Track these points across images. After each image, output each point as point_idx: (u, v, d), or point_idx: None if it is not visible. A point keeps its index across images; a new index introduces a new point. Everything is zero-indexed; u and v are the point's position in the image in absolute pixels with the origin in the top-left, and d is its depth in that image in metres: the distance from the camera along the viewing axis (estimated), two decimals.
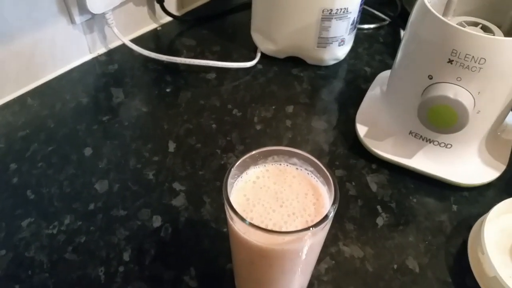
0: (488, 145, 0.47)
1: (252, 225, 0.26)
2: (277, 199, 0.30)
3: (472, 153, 0.46)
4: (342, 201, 0.45)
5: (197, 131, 0.53)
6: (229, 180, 0.29)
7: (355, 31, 0.61)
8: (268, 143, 0.52)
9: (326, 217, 0.27)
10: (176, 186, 0.46)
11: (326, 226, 0.29)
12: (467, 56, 0.38)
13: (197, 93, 0.58)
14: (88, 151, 0.50)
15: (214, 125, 0.54)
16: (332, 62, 0.63)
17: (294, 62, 0.64)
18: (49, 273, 0.39)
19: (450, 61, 0.39)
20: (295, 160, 0.32)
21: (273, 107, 0.57)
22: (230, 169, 0.29)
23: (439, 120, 0.41)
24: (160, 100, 0.57)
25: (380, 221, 0.44)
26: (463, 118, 0.40)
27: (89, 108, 0.56)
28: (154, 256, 0.41)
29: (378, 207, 0.45)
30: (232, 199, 0.29)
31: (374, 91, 0.54)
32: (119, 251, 0.41)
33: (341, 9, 0.55)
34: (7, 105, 0.56)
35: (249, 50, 0.66)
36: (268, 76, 0.62)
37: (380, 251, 0.41)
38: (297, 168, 0.32)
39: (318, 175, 0.31)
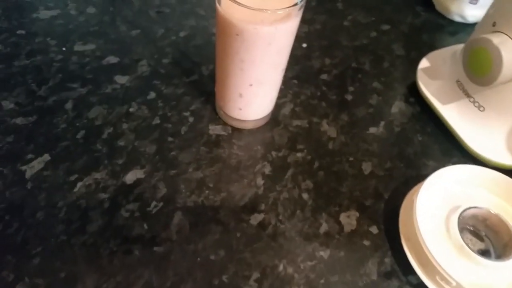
0: None
1: None
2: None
3: (501, 128, 0.44)
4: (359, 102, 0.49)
5: None
6: None
7: None
8: None
9: (288, 7, 0.32)
10: None
11: (290, 21, 0.33)
12: None
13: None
14: None
15: None
16: (457, 19, 0.61)
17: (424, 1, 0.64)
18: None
19: None
20: None
21: (374, 18, 0.60)
22: None
23: (476, 65, 0.41)
24: None
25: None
26: (496, 68, 0.39)
27: None
28: (171, 61, 0.50)
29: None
30: None
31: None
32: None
33: None
34: None
35: None
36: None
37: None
38: None
39: None
